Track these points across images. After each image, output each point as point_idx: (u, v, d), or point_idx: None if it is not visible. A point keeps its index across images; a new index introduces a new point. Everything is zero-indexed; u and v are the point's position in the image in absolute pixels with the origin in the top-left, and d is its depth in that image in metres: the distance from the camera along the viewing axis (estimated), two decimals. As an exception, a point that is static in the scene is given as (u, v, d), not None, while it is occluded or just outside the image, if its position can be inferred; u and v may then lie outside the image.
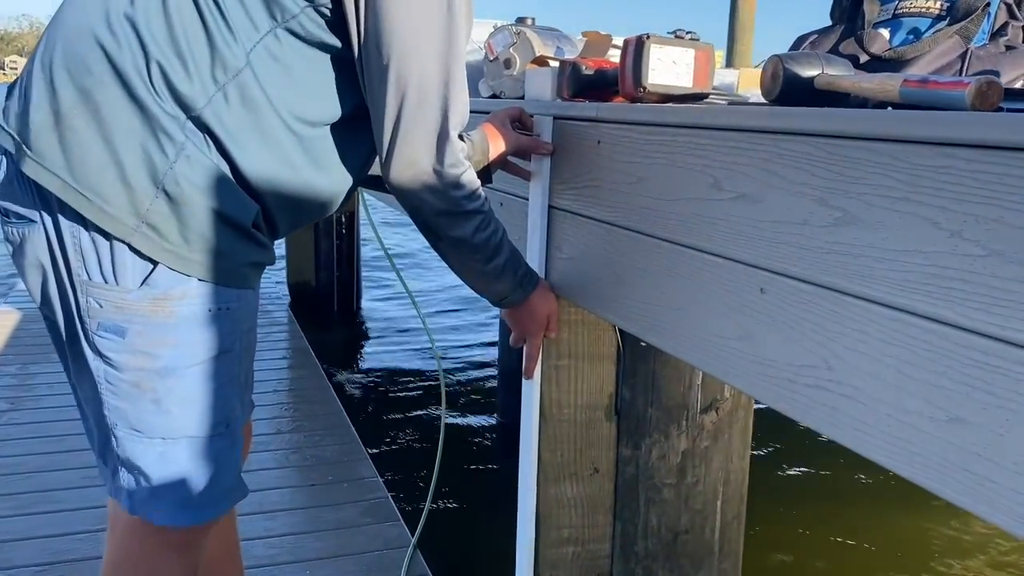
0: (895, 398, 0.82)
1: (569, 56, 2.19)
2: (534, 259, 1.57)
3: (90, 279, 1.15)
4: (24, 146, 1.13)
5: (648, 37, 1.26)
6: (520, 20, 2.51)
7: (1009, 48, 1.27)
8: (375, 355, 5.17)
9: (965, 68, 1.25)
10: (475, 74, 2.40)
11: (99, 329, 1.17)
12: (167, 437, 1.20)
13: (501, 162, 1.50)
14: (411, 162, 1.19)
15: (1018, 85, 1.25)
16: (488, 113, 1.85)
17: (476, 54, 2.41)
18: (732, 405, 1.67)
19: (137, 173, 1.11)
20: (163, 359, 1.17)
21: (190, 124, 1.13)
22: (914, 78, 0.99)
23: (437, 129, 1.19)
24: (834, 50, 1.36)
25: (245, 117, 1.14)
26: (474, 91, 2.38)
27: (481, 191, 1.28)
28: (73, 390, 1.30)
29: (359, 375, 4.80)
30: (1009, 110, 0.89)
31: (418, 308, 2.46)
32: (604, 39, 2.10)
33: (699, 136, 1.10)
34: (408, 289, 2.29)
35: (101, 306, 1.15)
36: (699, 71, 1.29)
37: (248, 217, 1.18)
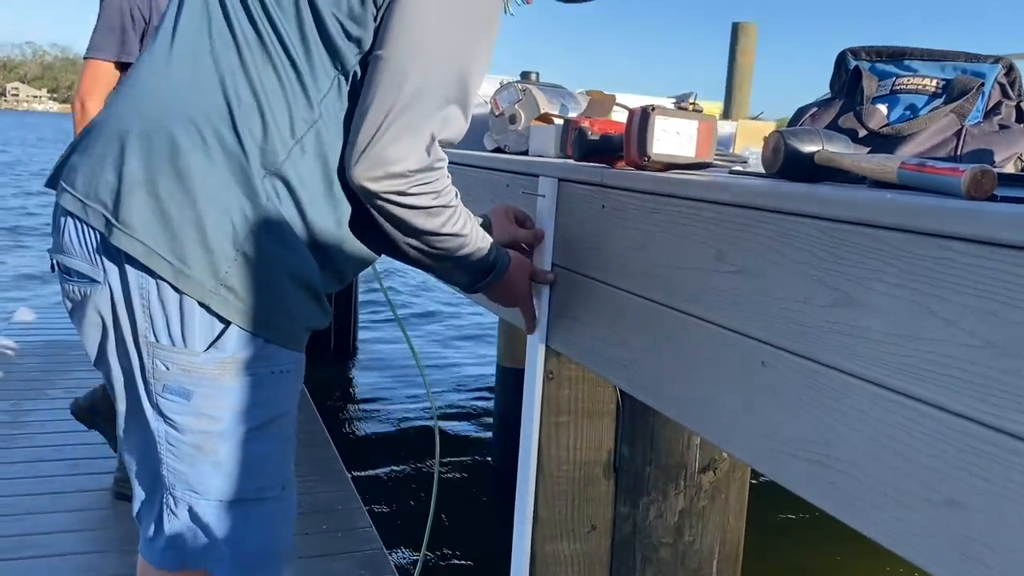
0: (893, 478, 0.84)
1: (573, 113, 2.24)
2: (538, 314, 1.59)
3: (157, 341, 1.16)
4: (107, 215, 1.14)
5: (653, 109, 1.30)
6: (525, 75, 2.56)
7: (1003, 127, 1.31)
8: (371, 395, 5.17)
9: (960, 146, 1.29)
10: (480, 127, 2.45)
11: (164, 391, 1.18)
12: (225, 499, 1.21)
13: None
14: (387, 161, 1.13)
15: (1011, 165, 1.29)
16: (489, 170, 1.89)
17: (481, 108, 2.45)
18: (730, 465, 1.69)
19: (218, 236, 1.13)
20: (225, 421, 1.19)
21: (268, 180, 1.15)
22: (912, 162, 1.02)
23: (425, 136, 1.14)
24: (833, 123, 1.40)
25: (316, 168, 1.18)
26: (478, 144, 2.43)
27: (453, 190, 1.25)
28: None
29: (354, 416, 4.80)
30: (1003, 198, 0.93)
31: (419, 363, 2.47)
32: (608, 99, 2.15)
33: (703, 209, 1.13)
34: (411, 344, 2.31)
35: (168, 368, 1.17)
36: (702, 142, 1.33)
37: (315, 275, 1.20)
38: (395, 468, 4.10)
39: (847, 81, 1.47)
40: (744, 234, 1.05)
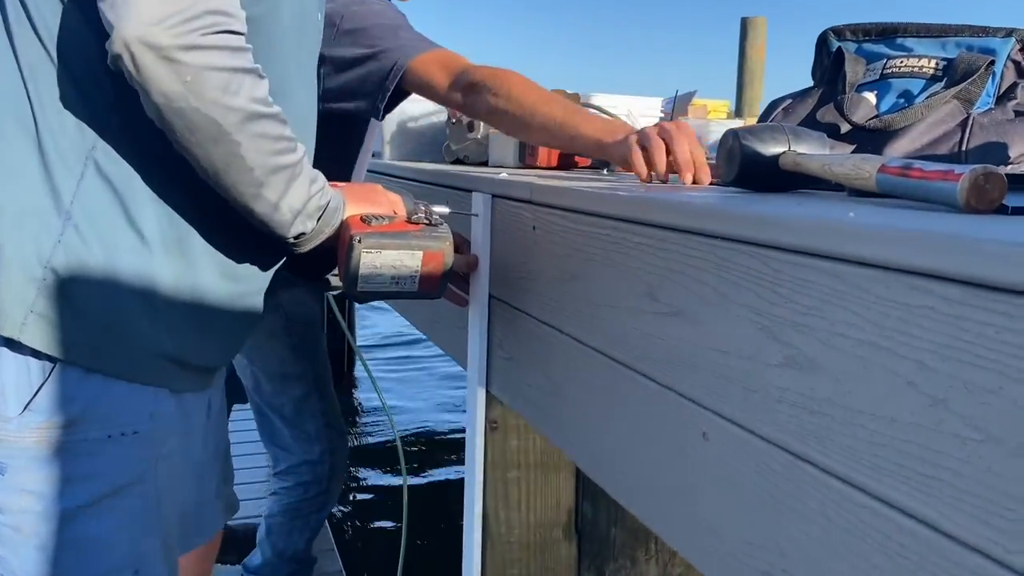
0: (867, 614, 0.59)
1: (538, 117, 2.00)
2: (475, 355, 1.36)
3: None
4: None
5: (359, 240, 1.04)
6: (496, 76, 2.33)
7: (1018, 114, 1.06)
8: (369, 415, 4.94)
9: (966, 139, 1.04)
10: (437, 136, 2.22)
11: None
12: None
13: None
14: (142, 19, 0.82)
15: (1030, 161, 1.03)
16: (429, 184, 1.66)
17: (437, 115, 2.23)
18: (709, 523, 1.44)
19: (17, 254, 0.93)
20: (47, 498, 0.97)
21: (75, 167, 0.95)
22: (894, 164, 0.78)
23: None
24: (810, 118, 1.15)
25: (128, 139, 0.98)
26: (435, 155, 2.20)
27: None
28: None
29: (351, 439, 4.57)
30: (1015, 210, 0.68)
31: (373, 378, 2.26)
32: (571, 99, 1.91)
33: (632, 232, 0.89)
34: (364, 361, 2.10)
35: None
36: (428, 276, 1.09)
37: (167, 282, 1.00)
38: (368, 501, 3.86)
39: (828, 66, 1.22)
40: (675, 266, 0.81)
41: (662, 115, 2.52)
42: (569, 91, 2.27)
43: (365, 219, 1.06)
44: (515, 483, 1.41)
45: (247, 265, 1.09)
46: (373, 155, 2.47)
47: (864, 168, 0.81)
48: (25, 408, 0.95)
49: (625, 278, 0.90)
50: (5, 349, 0.95)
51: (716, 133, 4.63)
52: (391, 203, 1.16)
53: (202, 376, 1.10)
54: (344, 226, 1.06)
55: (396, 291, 1.08)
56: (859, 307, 0.58)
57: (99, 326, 0.97)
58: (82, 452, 0.98)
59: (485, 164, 1.98)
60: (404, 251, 1.05)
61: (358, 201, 1.12)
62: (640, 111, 2.39)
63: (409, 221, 1.08)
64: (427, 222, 1.08)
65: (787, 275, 0.65)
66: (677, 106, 5.44)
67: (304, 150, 0.99)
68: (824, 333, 0.62)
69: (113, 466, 1.00)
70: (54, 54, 0.94)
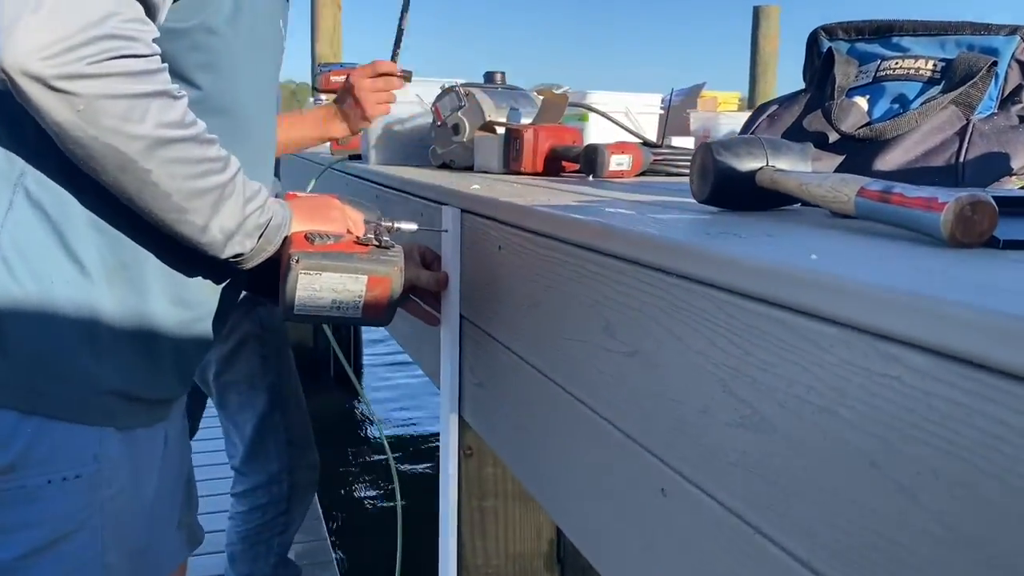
0: None
1: (526, 119, 1.92)
2: (446, 379, 1.28)
3: None
4: None
5: (297, 261, 0.96)
6: (488, 75, 2.25)
7: (1023, 120, 0.97)
8: (368, 423, 4.84)
9: (964, 149, 0.95)
10: (425, 139, 2.14)
11: None
12: None
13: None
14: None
15: (1033, 174, 0.93)
16: (404, 194, 1.58)
17: (424, 118, 2.15)
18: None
19: None
20: None
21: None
22: (874, 187, 0.69)
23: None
24: (797, 126, 1.07)
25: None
26: (423, 159, 2.12)
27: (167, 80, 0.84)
28: None
29: (351, 447, 4.47)
30: (1008, 243, 0.59)
31: (360, 390, 2.19)
32: (559, 99, 1.83)
33: (588, 261, 0.81)
34: (350, 371, 2.02)
35: None
36: (373, 302, 1.01)
37: (108, 308, 0.93)
38: (369, 502, 3.79)
39: (818, 69, 1.13)
40: (633, 302, 0.73)
41: (662, 112, 2.43)
42: (557, 90, 2.19)
43: (309, 237, 0.98)
44: (492, 512, 1.33)
45: (198, 289, 1.03)
46: (358, 158, 2.39)
47: (843, 191, 0.72)
48: None
49: (584, 310, 0.83)
50: None
51: (726, 126, 4.49)
52: (346, 220, 1.08)
53: (154, 409, 1.03)
54: (286, 243, 0.99)
55: (338, 316, 1.00)
56: (819, 368, 0.50)
57: (34, 365, 0.90)
58: (20, 499, 0.91)
59: (471, 169, 1.90)
60: (347, 274, 0.97)
61: (307, 217, 1.04)
62: (638, 108, 2.30)
63: (358, 241, 1.00)
64: (376, 244, 1.00)
65: (742, 323, 0.57)
66: (685, 99, 5.33)
67: (237, 166, 0.92)
68: (782, 394, 0.54)
69: (54, 513, 0.94)
70: None
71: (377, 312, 1.01)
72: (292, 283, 0.96)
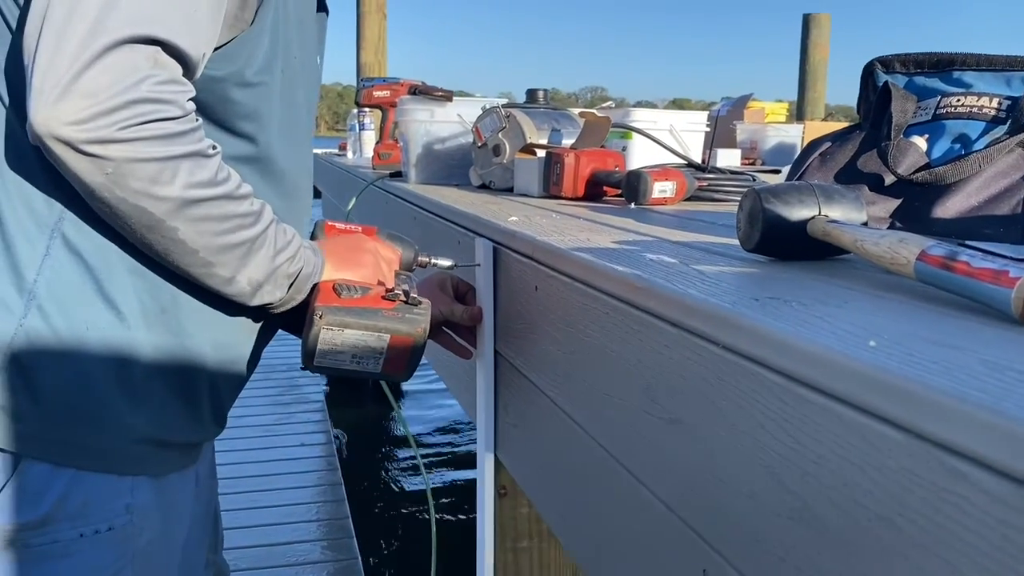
0: None
1: (568, 140, 1.88)
2: (482, 417, 1.25)
3: None
4: None
5: (321, 316, 0.94)
6: (531, 93, 2.22)
7: (1098, 165, 0.91)
8: (404, 443, 4.78)
9: (1032, 197, 0.89)
10: (465, 159, 2.12)
11: None
12: None
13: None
14: (56, 112, 0.73)
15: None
16: (444, 220, 1.55)
17: (465, 137, 2.12)
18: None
19: None
20: None
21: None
22: (936, 251, 0.65)
23: (91, 50, 0.73)
24: (850, 166, 1.02)
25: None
26: (463, 178, 2.10)
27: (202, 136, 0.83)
28: None
29: (384, 466, 4.43)
30: (1087, 325, 0.55)
31: (399, 411, 2.17)
32: (602, 122, 1.79)
33: (628, 316, 0.77)
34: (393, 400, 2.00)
35: None
36: (395, 358, 0.98)
37: (143, 353, 0.92)
38: (400, 520, 3.75)
39: (874, 104, 1.08)
40: (675, 367, 0.69)
41: (707, 130, 2.38)
42: (602, 104, 2.15)
43: (337, 289, 0.96)
44: (525, 553, 1.30)
45: (236, 330, 1.01)
46: (399, 175, 2.38)
47: (901, 252, 0.68)
48: None
49: (623, 367, 0.79)
50: None
51: (773, 138, 4.41)
52: (379, 264, 1.06)
53: (187, 452, 1.02)
54: (315, 291, 0.97)
55: (357, 370, 0.98)
56: (877, 473, 0.46)
57: (68, 415, 0.89)
58: (52, 555, 0.90)
59: (510, 191, 1.87)
60: (369, 332, 0.95)
61: (340, 263, 1.02)
62: (683, 126, 2.25)
63: (385, 296, 0.97)
64: (404, 300, 0.97)
65: (794, 410, 0.53)
66: (732, 110, 5.24)
67: (269, 219, 0.90)
68: (836, 493, 0.49)
69: (86, 567, 0.92)
70: (15, 121, 0.86)
71: (397, 369, 0.99)
72: (314, 337, 0.94)
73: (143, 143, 0.76)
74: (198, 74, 0.85)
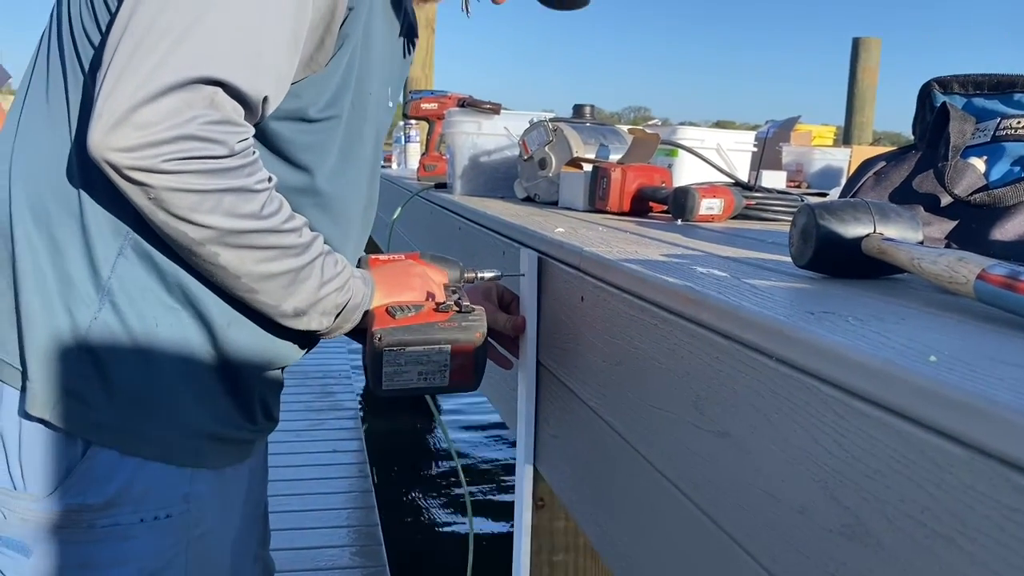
0: None
1: (615, 156, 1.88)
2: (522, 428, 1.25)
3: None
4: None
5: (380, 339, 0.96)
6: (577, 108, 2.22)
7: None
8: (440, 454, 4.77)
9: (1095, 221, 0.88)
10: (511, 172, 2.13)
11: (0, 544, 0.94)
12: None
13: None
14: (109, 126, 0.77)
15: None
16: (490, 231, 1.56)
17: (511, 150, 2.13)
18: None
19: (52, 333, 0.90)
20: None
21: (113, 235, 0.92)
22: (998, 271, 0.64)
23: (156, 84, 0.77)
24: (906, 186, 1.00)
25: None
26: (508, 191, 2.11)
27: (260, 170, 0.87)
28: None
29: (414, 477, 4.43)
30: None
31: (441, 423, 2.17)
32: (651, 139, 1.79)
33: (678, 328, 0.77)
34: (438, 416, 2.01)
35: (4, 517, 0.92)
36: (459, 369, 1.00)
37: (206, 356, 0.95)
38: (438, 522, 3.73)
39: (931, 124, 1.06)
40: (725, 379, 0.68)
41: (755, 149, 2.36)
42: (649, 122, 2.15)
43: (391, 311, 0.98)
44: (561, 567, 1.29)
45: (293, 334, 1.03)
46: (444, 187, 2.40)
47: (961, 271, 0.67)
48: (56, 488, 0.90)
49: (671, 379, 0.78)
50: (36, 426, 0.90)
51: (820, 161, 4.37)
52: (427, 284, 1.08)
53: (243, 448, 1.06)
54: (369, 318, 0.99)
55: (426, 387, 1.00)
56: (936, 489, 0.45)
57: (137, 407, 0.92)
58: (113, 536, 0.93)
59: (555, 204, 1.88)
60: (430, 346, 0.96)
61: (391, 289, 1.04)
62: (730, 145, 2.24)
63: (438, 309, 0.98)
64: (457, 309, 0.98)
65: (849, 424, 0.52)
66: (779, 132, 5.20)
67: (319, 251, 0.93)
68: (891, 509, 0.49)
69: (143, 551, 0.95)
70: None
71: (465, 378, 1.01)
72: (377, 361, 0.96)
73: (185, 176, 0.79)
74: (263, 113, 0.88)
